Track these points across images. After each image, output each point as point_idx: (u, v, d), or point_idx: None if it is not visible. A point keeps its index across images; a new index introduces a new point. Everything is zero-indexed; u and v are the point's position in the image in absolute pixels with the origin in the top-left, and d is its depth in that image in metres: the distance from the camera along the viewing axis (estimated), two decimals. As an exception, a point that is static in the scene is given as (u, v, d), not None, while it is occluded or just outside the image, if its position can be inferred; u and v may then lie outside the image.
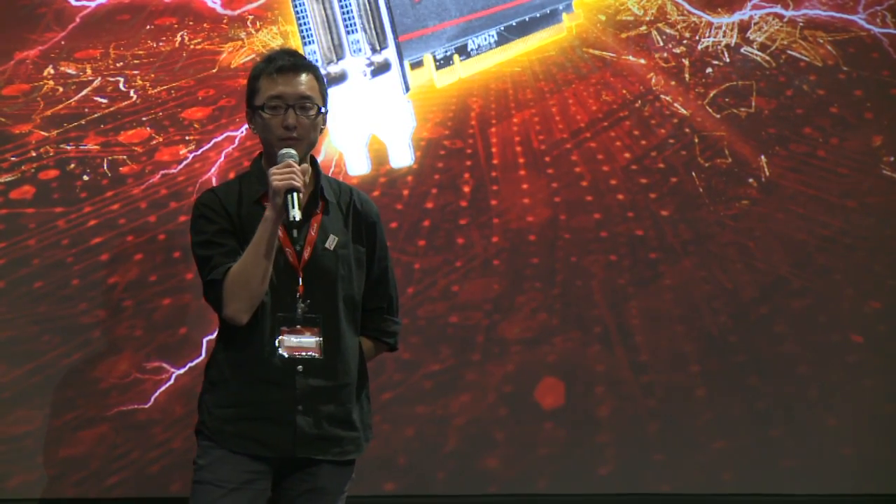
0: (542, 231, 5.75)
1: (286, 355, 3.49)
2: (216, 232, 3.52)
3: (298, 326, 3.51)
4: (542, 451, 5.68)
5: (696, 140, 5.77)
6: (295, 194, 3.40)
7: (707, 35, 5.81)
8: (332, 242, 3.57)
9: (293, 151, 3.48)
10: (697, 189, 5.76)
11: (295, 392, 3.50)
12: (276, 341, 3.49)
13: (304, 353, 3.50)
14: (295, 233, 3.49)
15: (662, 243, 5.75)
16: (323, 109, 3.59)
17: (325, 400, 3.53)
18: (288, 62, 3.57)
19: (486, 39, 5.79)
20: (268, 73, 3.57)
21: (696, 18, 5.81)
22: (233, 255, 3.46)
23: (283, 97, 3.52)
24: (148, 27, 5.74)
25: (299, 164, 3.48)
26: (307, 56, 5.64)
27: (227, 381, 3.55)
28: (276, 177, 3.41)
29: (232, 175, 5.75)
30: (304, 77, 3.56)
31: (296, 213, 3.39)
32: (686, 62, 5.80)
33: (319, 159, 5.85)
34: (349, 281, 3.59)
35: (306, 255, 3.53)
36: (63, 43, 5.69)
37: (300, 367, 3.50)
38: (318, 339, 3.50)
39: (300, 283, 3.51)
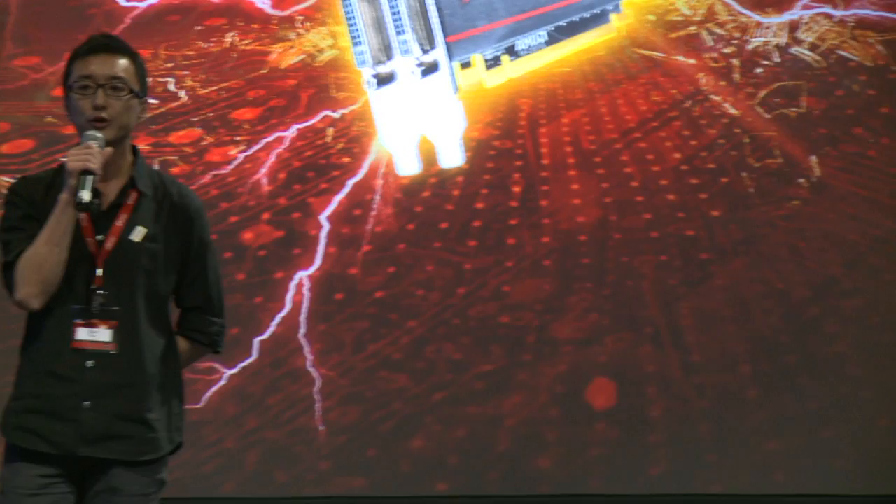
0: (593, 231, 5.74)
1: (76, 349, 3.39)
2: (20, 217, 3.42)
3: (93, 320, 3.40)
4: (593, 451, 5.67)
5: (746, 140, 5.76)
6: (89, 177, 3.30)
7: (756, 35, 5.80)
8: (138, 234, 3.42)
9: (98, 134, 3.35)
10: (748, 189, 5.74)
11: (82, 387, 3.38)
12: (69, 334, 3.39)
13: (97, 348, 3.39)
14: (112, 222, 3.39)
15: (713, 243, 5.73)
16: (137, 93, 3.44)
17: (116, 397, 3.36)
18: (102, 42, 3.44)
19: (535, 40, 5.79)
20: (81, 53, 3.42)
21: (746, 18, 5.80)
22: (32, 240, 3.37)
23: (93, 77, 3.38)
24: (198, 28, 5.75)
25: (109, 148, 3.37)
26: (356, 57, 5.67)
27: (23, 373, 3.45)
28: (72, 157, 3.30)
29: (283, 176, 5.76)
30: (118, 59, 3.42)
31: (84, 196, 3.27)
32: (736, 62, 5.79)
33: (369, 160, 5.90)
34: (154, 276, 3.42)
35: (109, 245, 3.40)
36: (113, 44, 5.69)
37: (90, 362, 3.38)
38: (113, 332, 3.39)
39: (97, 275, 3.41)
